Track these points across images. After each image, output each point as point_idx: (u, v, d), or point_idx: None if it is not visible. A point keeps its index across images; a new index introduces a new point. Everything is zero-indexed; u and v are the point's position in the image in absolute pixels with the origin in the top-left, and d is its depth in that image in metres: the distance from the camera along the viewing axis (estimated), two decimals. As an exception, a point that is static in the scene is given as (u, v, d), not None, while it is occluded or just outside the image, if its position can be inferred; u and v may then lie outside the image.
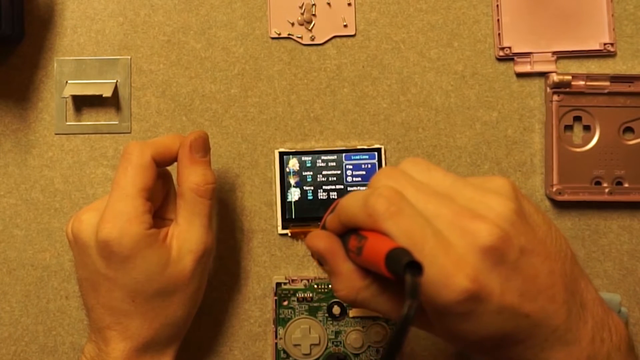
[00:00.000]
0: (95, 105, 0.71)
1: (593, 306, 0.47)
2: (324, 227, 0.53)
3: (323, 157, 0.69)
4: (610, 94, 0.68)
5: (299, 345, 0.68)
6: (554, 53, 0.69)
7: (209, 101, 0.70)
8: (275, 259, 0.70)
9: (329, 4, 0.71)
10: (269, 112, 0.70)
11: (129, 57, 0.71)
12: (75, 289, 0.69)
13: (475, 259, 0.42)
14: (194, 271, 0.59)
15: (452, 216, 0.44)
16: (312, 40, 0.71)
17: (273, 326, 0.69)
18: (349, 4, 0.71)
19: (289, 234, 0.69)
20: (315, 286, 0.68)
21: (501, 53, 0.69)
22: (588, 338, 0.46)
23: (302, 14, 0.71)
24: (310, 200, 0.69)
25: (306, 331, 0.68)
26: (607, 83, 0.68)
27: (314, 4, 0.71)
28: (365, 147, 0.69)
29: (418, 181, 0.47)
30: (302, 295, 0.68)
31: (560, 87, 0.67)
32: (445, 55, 0.70)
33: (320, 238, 0.51)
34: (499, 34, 0.70)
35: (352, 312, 0.68)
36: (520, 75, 0.70)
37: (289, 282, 0.69)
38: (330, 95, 0.70)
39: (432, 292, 0.42)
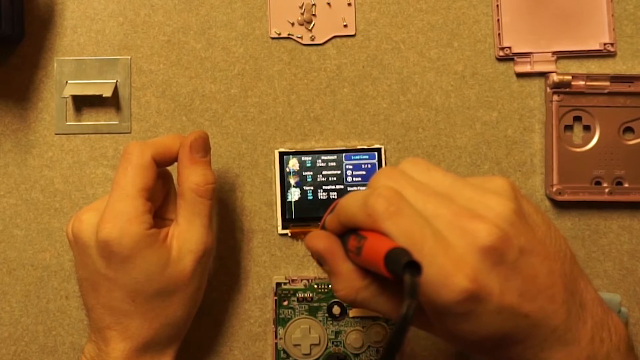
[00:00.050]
0: (95, 105, 0.71)
1: (592, 306, 0.47)
2: (323, 227, 0.53)
3: (323, 157, 0.69)
4: (610, 94, 0.68)
5: (299, 345, 0.68)
6: (554, 53, 0.69)
7: (209, 101, 0.70)
8: (275, 259, 0.70)
9: (329, 4, 0.71)
10: (269, 112, 0.70)
11: (129, 57, 0.71)
12: (75, 289, 0.69)
13: (474, 259, 0.42)
14: (194, 271, 0.59)
15: (451, 216, 0.44)
16: (312, 40, 0.71)
17: (273, 326, 0.69)
18: (349, 4, 0.71)
19: (289, 234, 0.69)
20: (315, 286, 0.68)
21: (501, 53, 0.69)
22: (587, 338, 0.46)
23: (302, 14, 0.71)
24: (310, 200, 0.69)
25: (306, 331, 0.68)
26: (607, 83, 0.68)
27: (314, 4, 0.71)
28: (365, 147, 0.69)
29: (417, 181, 0.47)
30: (302, 295, 0.69)
31: (560, 87, 0.67)
32: (445, 55, 0.70)
33: (319, 238, 0.51)
34: (499, 34, 0.70)
35: (352, 312, 0.68)
36: (520, 75, 0.70)
37: (289, 282, 0.69)
38: (330, 95, 0.70)
39: (431, 292, 0.42)
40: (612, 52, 0.69)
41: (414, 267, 0.40)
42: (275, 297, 0.69)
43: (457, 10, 0.71)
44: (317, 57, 0.71)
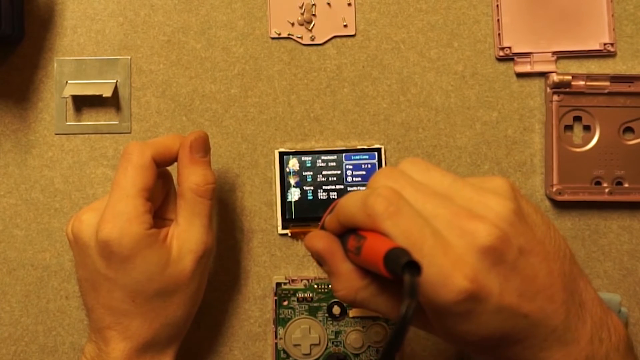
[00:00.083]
0: (95, 105, 0.71)
1: (592, 306, 0.47)
2: (323, 228, 0.53)
3: (323, 157, 0.69)
4: (610, 94, 0.68)
5: (299, 345, 0.68)
6: (554, 53, 0.69)
7: (209, 101, 0.70)
8: (275, 259, 0.70)
9: (329, 4, 0.71)
10: (269, 112, 0.70)
11: (129, 57, 0.71)
12: (75, 289, 0.69)
13: (474, 259, 0.42)
14: (194, 271, 0.59)
15: (450, 216, 0.44)
16: (312, 40, 0.71)
17: (273, 326, 0.69)
18: (349, 4, 0.71)
19: (289, 234, 0.69)
20: (315, 286, 0.68)
21: (501, 53, 0.69)
22: (587, 338, 0.46)
23: (302, 14, 0.71)
24: (310, 200, 0.69)
25: (306, 331, 0.68)
26: (607, 83, 0.68)
27: (314, 4, 0.71)
28: (365, 147, 0.69)
29: (417, 181, 0.47)
30: (302, 295, 0.69)
31: (560, 87, 0.67)
32: (445, 55, 0.70)
33: (319, 238, 0.51)
34: (499, 34, 0.70)
35: (352, 312, 0.68)
36: (520, 75, 0.70)
37: (289, 282, 0.69)
38: (330, 95, 0.70)
39: (431, 292, 0.42)
40: (612, 52, 0.69)
41: (414, 267, 0.40)
42: (275, 297, 0.69)
43: (457, 10, 0.71)
44: (317, 57, 0.71)
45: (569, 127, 0.68)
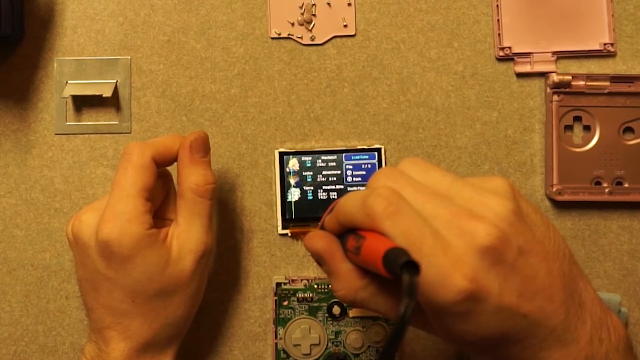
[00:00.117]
0: (95, 105, 0.71)
1: (591, 306, 0.47)
2: (322, 228, 0.53)
3: (323, 157, 0.69)
4: (610, 94, 0.68)
5: (299, 345, 0.68)
6: (554, 53, 0.69)
7: (209, 101, 0.70)
8: (275, 259, 0.70)
9: (329, 4, 0.71)
10: (269, 112, 0.70)
11: (129, 57, 0.71)
12: (75, 289, 0.69)
13: (473, 259, 0.42)
14: (194, 271, 0.59)
15: (450, 216, 0.44)
16: (312, 40, 0.71)
17: (273, 326, 0.69)
18: (349, 4, 0.71)
19: (289, 234, 0.69)
20: (315, 286, 0.68)
21: (501, 53, 0.69)
22: (586, 338, 0.46)
23: (302, 14, 0.71)
24: (310, 200, 0.69)
25: (306, 331, 0.68)
26: (607, 83, 0.68)
27: (314, 4, 0.71)
28: (365, 147, 0.69)
29: (416, 181, 0.47)
30: (302, 295, 0.69)
31: (560, 87, 0.67)
32: (445, 55, 0.70)
33: (318, 238, 0.51)
34: (499, 34, 0.70)
35: (352, 312, 0.68)
36: (520, 75, 0.70)
37: (289, 282, 0.69)
38: (330, 95, 0.70)
39: (430, 292, 0.42)
40: (612, 52, 0.69)
41: (413, 266, 0.40)
42: (275, 297, 0.69)
43: (457, 10, 0.71)
44: (317, 57, 0.71)
45: (569, 127, 0.68)
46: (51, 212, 0.70)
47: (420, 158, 0.51)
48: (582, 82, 0.67)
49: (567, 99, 0.68)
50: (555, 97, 0.68)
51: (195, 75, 0.71)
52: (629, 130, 0.68)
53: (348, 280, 0.49)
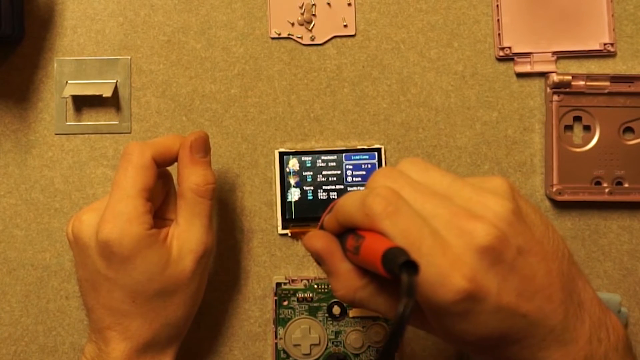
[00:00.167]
0: (95, 105, 0.71)
1: (590, 306, 0.47)
2: (322, 227, 0.53)
3: (323, 157, 0.69)
4: (610, 94, 0.68)
5: (299, 345, 0.68)
6: (554, 53, 0.69)
7: (209, 101, 0.70)
8: (275, 259, 0.70)
9: (329, 4, 0.71)
10: (269, 112, 0.70)
11: (129, 57, 0.71)
12: (75, 289, 0.69)
13: (472, 258, 0.42)
14: (194, 271, 0.59)
15: (449, 216, 0.44)
16: (312, 40, 0.71)
17: (273, 326, 0.69)
18: (349, 4, 0.71)
19: (289, 234, 0.69)
20: (315, 286, 0.68)
21: (501, 53, 0.69)
22: (585, 338, 0.46)
23: (302, 14, 0.71)
24: (310, 200, 0.69)
25: (306, 331, 0.68)
26: (607, 83, 0.68)
27: (314, 4, 0.71)
28: (365, 147, 0.69)
29: (416, 181, 0.47)
30: (302, 295, 0.69)
31: (560, 87, 0.67)
32: (445, 55, 0.70)
33: (317, 238, 0.51)
34: (499, 34, 0.70)
35: (352, 312, 0.68)
36: (520, 75, 0.70)
37: (289, 282, 0.69)
38: (330, 95, 0.70)
39: (429, 291, 0.42)
40: (612, 52, 0.69)
41: (411, 266, 0.40)
42: (275, 297, 0.69)
43: (457, 10, 0.71)
44: (317, 57, 0.71)
45: (569, 127, 0.68)
46: (51, 212, 0.70)
47: (420, 158, 0.51)
48: (582, 82, 0.67)
49: (567, 99, 0.68)
50: (555, 97, 0.68)
51: (195, 75, 0.71)
52: (629, 130, 0.68)
53: (347, 280, 0.49)
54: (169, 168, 0.63)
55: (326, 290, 0.68)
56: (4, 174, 0.70)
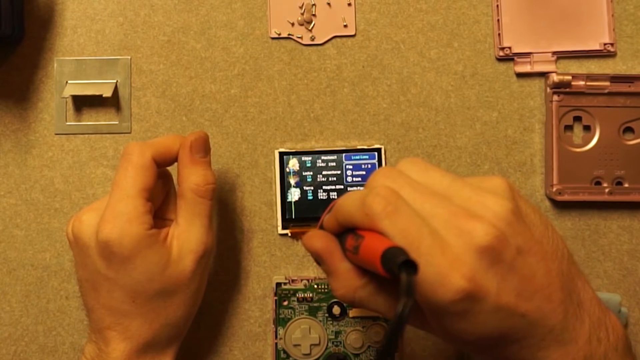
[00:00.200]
0: (95, 105, 0.71)
1: (590, 306, 0.47)
2: (321, 227, 0.53)
3: (323, 157, 0.69)
4: (610, 94, 0.68)
5: (299, 345, 0.68)
6: (554, 53, 0.69)
7: (209, 101, 0.70)
8: (275, 259, 0.70)
9: (329, 4, 0.71)
10: (269, 112, 0.70)
11: (129, 57, 0.71)
12: (75, 289, 0.69)
13: (471, 258, 0.42)
14: (194, 271, 0.59)
15: (448, 216, 0.44)
16: (312, 40, 0.71)
17: (273, 326, 0.69)
18: (349, 4, 0.71)
19: (289, 234, 0.69)
20: (315, 286, 0.68)
21: (501, 53, 0.69)
22: (585, 337, 0.46)
23: (302, 14, 0.71)
24: (310, 200, 0.69)
25: (306, 331, 0.68)
26: (607, 83, 0.67)
27: (314, 4, 0.71)
28: (365, 147, 0.69)
29: (415, 181, 0.47)
30: (302, 295, 0.69)
31: (560, 87, 0.67)
32: (445, 55, 0.70)
33: (317, 238, 0.51)
34: (499, 34, 0.70)
35: (352, 312, 0.68)
36: (520, 75, 0.70)
37: (289, 282, 0.69)
38: (330, 95, 0.70)
39: (428, 291, 0.42)
40: (612, 52, 0.69)
41: (411, 266, 0.40)
42: (275, 297, 0.69)
43: (457, 10, 0.71)
44: (317, 57, 0.71)
45: (569, 127, 0.68)
46: (51, 212, 0.70)
47: (420, 158, 0.51)
48: (582, 82, 0.67)
49: (567, 99, 0.68)
50: (555, 97, 0.68)
51: (195, 75, 0.71)
52: (629, 130, 0.68)
53: (347, 280, 0.49)
54: (169, 168, 0.63)
55: (326, 290, 0.68)
56: (4, 174, 0.70)
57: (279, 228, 0.69)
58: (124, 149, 0.59)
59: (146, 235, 0.57)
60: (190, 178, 0.60)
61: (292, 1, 0.71)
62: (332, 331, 0.68)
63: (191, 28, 0.71)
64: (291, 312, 0.68)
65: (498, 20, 0.69)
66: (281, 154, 0.69)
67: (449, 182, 0.47)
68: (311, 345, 0.68)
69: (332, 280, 0.50)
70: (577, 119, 0.68)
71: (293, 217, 0.69)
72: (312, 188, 0.69)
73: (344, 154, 0.69)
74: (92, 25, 0.71)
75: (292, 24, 0.71)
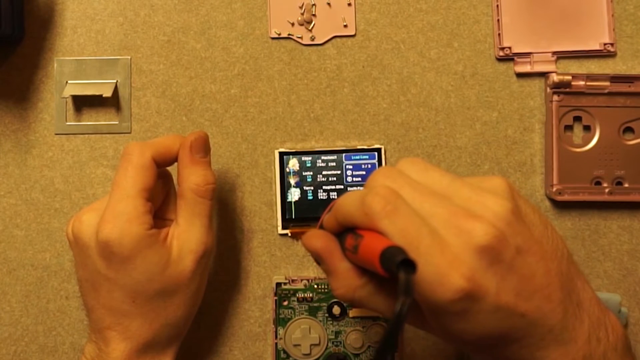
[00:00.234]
0: (95, 105, 0.71)
1: (589, 305, 0.47)
2: (321, 227, 0.53)
3: (323, 157, 0.69)
4: (610, 94, 0.68)
5: (299, 345, 0.68)
6: (554, 53, 0.69)
7: (209, 101, 0.70)
8: (275, 259, 0.70)
9: (329, 4, 0.71)
10: (269, 112, 0.70)
11: (129, 57, 0.71)
12: (75, 289, 0.69)
13: (470, 258, 0.42)
14: (194, 271, 0.59)
15: (448, 215, 0.44)
16: (312, 40, 0.71)
17: (273, 326, 0.69)
18: (349, 4, 0.71)
19: (289, 234, 0.69)
20: (315, 286, 0.68)
21: (501, 53, 0.69)
22: (584, 337, 0.46)
23: (302, 14, 0.71)
24: (310, 200, 0.69)
25: (306, 331, 0.68)
26: (607, 83, 0.67)
27: (314, 4, 0.71)
28: (365, 147, 0.69)
29: (415, 181, 0.47)
30: (302, 295, 0.69)
31: (560, 87, 0.67)
32: (445, 55, 0.70)
33: (317, 237, 0.51)
34: (499, 34, 0.70)
35: (352, 312, 0.68)
36: (520, 75, 0.70)
37: (289, 282, 0.69)
38: (330, 95, 0.70)
39: (427, 291, 0.42)
40: (612, 52, 0.69)
41: (409, 265, 0.40)
42: (275, 297, 0.69)
43: (457, 10, 0.71)
44: (317, 57, 0.71)
45: (569, 127, 0.68)
46: (51, 212, 0.70)
47: (419, 158, 0.51)
48: (582, 82, 0.67)
49: (567, 99, 0.68)
50: (555, 97, 0.68)
51: (195, 75, 0.71)
52: (629, 130, 0.68)
53: (346, 279, 0.49)
54: (169, 168, 0.63)
55: (326, 290, 0.68)
56: (4, 174, 0.70)
57: (279, 228, 0.69)
58: (124, 149, 0.59)
59: (146, 235, 0.57)
60: (190, 178, 0.60)
61: (292, 1, 0.71)
62: (332, 331, 0.68)
63: (191, 28, 0.71)
64: (291, 312, 0.68)
65: (498, 20, 0.69)
66: (281, 154, 0.69)
67: (449, 181, 0.47)
68: (311, 345, 0.68)
69: (331, 280, 0.50)
70: (577, 119, 0.68)
71: (293, 217, 0.69)
72: (312, 188, 0.69)
73: (344, 154, 0.69)
74: (92, 25, 0.71)
75: (292, 24, 0.71)
